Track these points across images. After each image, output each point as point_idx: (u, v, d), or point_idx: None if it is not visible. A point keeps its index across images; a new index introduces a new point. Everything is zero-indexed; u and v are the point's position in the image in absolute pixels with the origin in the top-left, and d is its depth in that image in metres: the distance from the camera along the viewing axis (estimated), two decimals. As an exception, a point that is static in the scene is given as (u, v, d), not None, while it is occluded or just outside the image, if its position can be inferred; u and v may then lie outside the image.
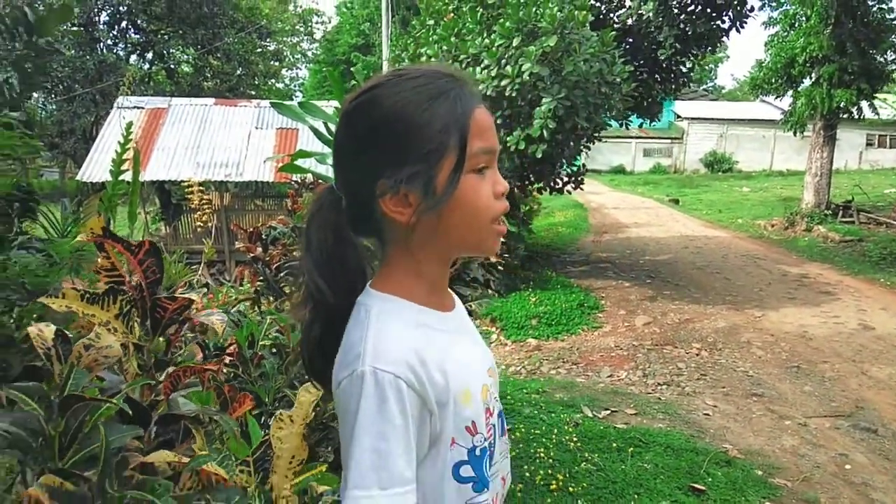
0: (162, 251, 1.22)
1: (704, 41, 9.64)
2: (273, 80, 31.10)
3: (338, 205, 0.87)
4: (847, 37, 11.95)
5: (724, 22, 9.50)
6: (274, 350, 2.20)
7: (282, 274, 3.10)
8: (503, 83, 6.74)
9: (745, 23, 9.52)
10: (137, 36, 23.18)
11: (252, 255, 3.36)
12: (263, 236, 3.49)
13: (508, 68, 6.70)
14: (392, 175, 0.79)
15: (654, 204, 18.76)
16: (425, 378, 0.78)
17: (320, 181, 3.12)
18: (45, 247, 2.62)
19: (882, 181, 20.16)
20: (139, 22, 22.41)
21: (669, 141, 30.90)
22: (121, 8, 21.53)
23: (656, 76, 10.31)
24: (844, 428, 4.19)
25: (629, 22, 9.70)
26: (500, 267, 3.30)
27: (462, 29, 7.55)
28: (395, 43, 11.31)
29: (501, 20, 6.94)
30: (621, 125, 10.65)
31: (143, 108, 14.46)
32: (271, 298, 3.18)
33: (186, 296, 1.15)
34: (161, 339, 1.17)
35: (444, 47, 7.51)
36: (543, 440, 3.76)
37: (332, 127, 2.65)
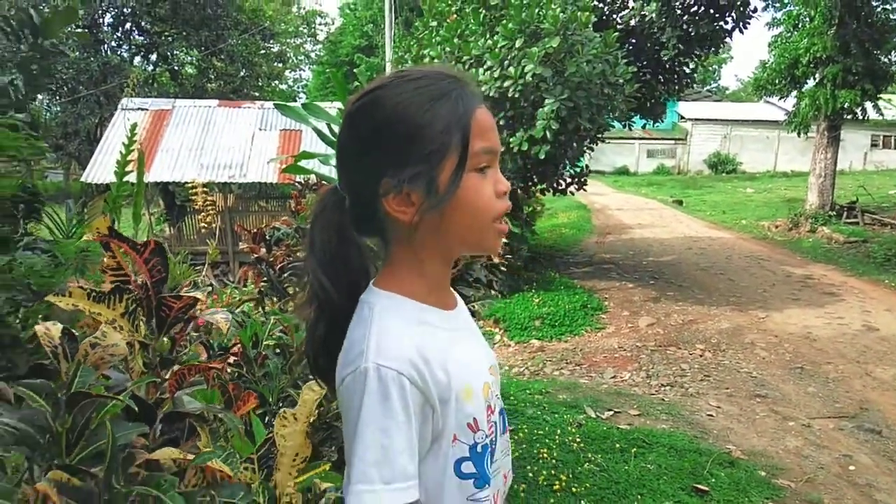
0: (167, 251, 1.23)
1: (707, 42, 9.64)
2: (276, 82, 31.19)
3: (341, 205, 0.88)
4: (851, 37, 11.93)
5: (727, 23, 9.50)
6: (277, 350, 2.22)
7: (285, 274, 3.11)
8: (506, 84, 6.75)
9: (748, 24, 9.52)
10: (141, 38, 23.28)
11: (256, 255, 3.37)
12: (267, 237, 3.51)
13: (511, 69, 6.71)
14: (395, 175, 0.80)
15: (658, 205, 18.74)
16: (428, 375, 0.79)
17: (324, 182, 3.13)
18: (51, 247, 2.63)
19: (887, 182, 20.11)
20: (143, 24, 22.51)
21: (673, 142, 30.88)
22: (125, 10, 21.63)
23: (659, 77, 10.31)
24: (848, 429, 4.19)
25: (632, 23, 9.70)
26: (502, 268, 3.31)
27: (465, 30, 7.57)
28: (398, 44, 11.33)
29: (504, 21, 6.96)
30: (624, 126, 10.66)
31: (147, 109, 14.51)
32: (275, 299, 3.19)
33: (191, 294, 1.16)
34: (166, 337, 1.18)
35: (447, 48, 7.53)
36: (547, 441, 3.76)
37: (336, 128, 2.67)
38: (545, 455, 3.55)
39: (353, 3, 34.20)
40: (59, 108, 20.44)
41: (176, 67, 24.23)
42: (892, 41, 12.26)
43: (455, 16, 7.94)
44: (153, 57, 23.95)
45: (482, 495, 0.88)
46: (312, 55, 37.33)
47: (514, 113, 7.09)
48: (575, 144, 7.55)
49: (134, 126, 3.66)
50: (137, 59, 24.04)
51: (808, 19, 13.06)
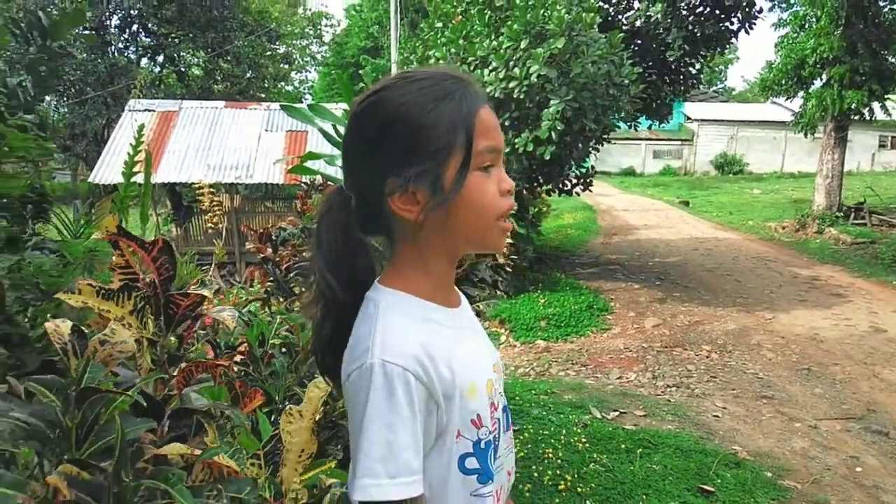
0: (174, 250, 1.25)
1: (713, 43, 9.62)
2: (282, 83, 31.30)
3: (347, 205, 0.89)
4: (858, 37, 11.88)
5: (732, 23, 9.48)
6: (284, 349, 2.23)
7: (291, 274, 3.13)
8: (511, 85, 6.76)
9: (754, 24, 9.50)
10: (148, 39, 23.41)
11: (262, 255, 3.39)
12: (273, 237, 3.53)
13: (516, 70, 6.72)
14: (401, 174, 0.82)
15: (664, 206, 18.70)
16: (432, 371, 0.80)
17: (329, 182, 3.15)
18: (59, 247, 2.66)
19: (895, 183, 20.00)
20: (150, 25, 22.64)
21: (679, 143, 30.81)
22: (132, 12, 21.75)
23: (665, 78, 10.29)
24: (855, 430, 4.17)
25: (637, 24, 9.69)
26: (508, 268, 3.31)
27: (470, 31, 7.58)
28: (403, 45, 11.36)
29: (509, 22, 6.97)
30: (630, 127, 10.65)
31: (154, 110, 14.59)
32: (281, 299, 3.21)
33: (199, 292, 1.17)
34: (174, 335, 1.19)
35: (453, 49, 7.55)
36: (552, 441, 3.76)
37: (341, 129, 2.68)
38: (550, 455, 3.55)
39: (359, 5, 34.30)
40: (66, 110, 20.57)
41: (182, 69, 24.35)
42: (900, 41, 12.21)
43: (460, 17, 7.96)
44: (160, 58, 24.08)
45: (485, 491, 0.89)
46: (318, 56, 37.44)
47: (519, 114, 7.09)
48: (580, 145, 7.55)
49: (141, 127, 3.69)
50: (144, 60, 24.18)
51: (814, 20, 13.03)
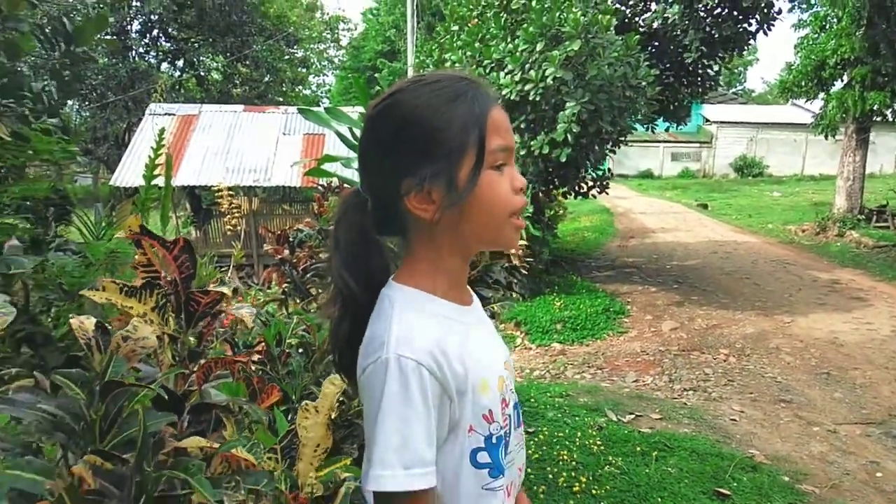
0: (194, 249, 1.28)
1: (731, 44, 9.56)
2: (300, 87, 31.52)
3: (363, 206, 0.91)
4: (881, 38, 11.70)
5: (750, 25, 9.41)
6: (300, 349, 2.26)
7: (308, 275, 3.17)
8: (527, 87, 6.77)
9: (773, 25, 9.42)
10: (168, 44, 23.71)
11: (279, 257, 3.43)
12: (290, 239, 3.57)
13: (532, 73, 6.73)
14: (416, 174, 0.84)
15: (682, 209, 18.55)
16: (446, 367, 0.82)
17: (346, 185, 3.19)
18: (81, 249, 2.71)
19: (918, 185, 19.66)
20: (170, 30, 22.93)
21: (698, 145, 30.52)
22: (152, 17, 22.05)
23: (682, 80, 10.24)
24: (876, 435, 4.12)
25: (654, 25, 9.65)
26: (523, 270, 3.32)
27: (486, 34, 7.60)
28: (420, 49, 11.41)
29: (525, 25, 6.98)
30: (647, 129, 10.59)
31: (174, 114, 14.79)
32: (298, 299, 3.25)
33: (218, 290, 1.20)
34: (194, 331, 1.23)
35: (469, 52, 7.57)
36: (567, 443, 3.76)
37: (357, 131, 2.71)
38: (565, 457, 3.55)
39: (376, 9, 34.51)
40: (88, 114, 20.89)
41: (202, 73, 24.62)
42: (924, 42, 12.01)
43: (476, 20, 7.98)
44: (180, 63, 24.38)
45: (497, 485, 0.90)
46: (335, 60, 37.65)
47: (534, 116, 7.10)
48: (596, 147, 7.54)
49: (162, 131, 3.75)
50: (164, 65, 24.48)
51: (835, 20, 12.87)
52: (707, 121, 30.51)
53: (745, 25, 9.42)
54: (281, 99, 25.39)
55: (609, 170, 9.29)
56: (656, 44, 9.73)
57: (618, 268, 10.17)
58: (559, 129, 6.73)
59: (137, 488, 0.90)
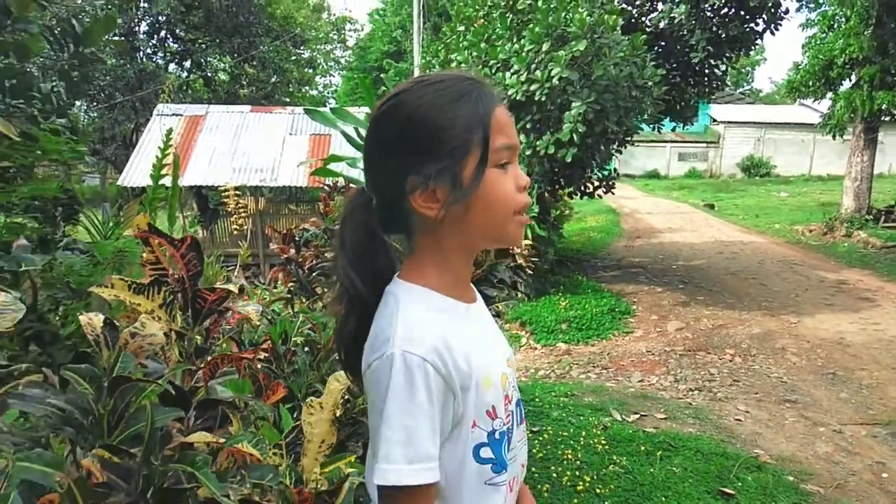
0: (201, 248, 1.30)
1: (738, 44, 9.52)
2: (307, 88, 31.60)
3: (368, 205, 0.93)
4: (889, 37, 11.64)
5: (757, 24, 9.36)
6: (306, 347, 2.28)
7: (314, 274, 3.19)
8: (532, 88, 6.77)
9: (780, 25, 9.38)
10: (176, 45, 23.82)
11: (285, 256, 3.46)
12: (296, 238, 3.59)
13: (538, 73, 6.73)
14: (421, 172, 0.85)
15: (689, 209, 18.50)
16: (450, 363, 0.83)
17: (352, 184, 3.20)
18: (89, 248, 2.74)
19: (927, 186, 19.55)
20: (178, 31, 23.04)
21: (705, 145, 30.42)
22: (160, 18, 22.16)
23: (689, 80, 10.21)
24: (882, 436, 4.10)
25: (661, 25, 9.62)
26: (528, 270, 3.33)
27: (492, 34, 7.61)
28: (426, 49, 11.44)
29: (531, 25, 6.98)
30: (654, 129, 10.57)
31: (181, 115, 14.86)
32: (304, 298, 3.27)
33: (225, 287, 1.22)
34: (201, 328, 1.24)
35: (475, 53, 7.58)
36: (571, 442, 3.76)
37: (363, 132, 2.73)
38: (570, 456, 3.55)
39: (383, 10, 34.56)
40: (96, 114, 21.01)
41: (209, 74, 24.73)
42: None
43: (482, 20, 8.00)
44: (187, 64, 24.50)
45: (499, 480, 0.92)
46: (342, 61, 37.76)
47: (540, 116, 7.10)
48: (602, 147, 7.53)
49: (169, 131, 3.78)
50: (172, 65, 24.61)
51: (843, 20, 12.80)
52: (714, 121, 30.40)
53: (752, 25, 9.37)
54: (287, 99, 25.47)
55: (615, 170, 9.29)
56: (663, 44, 9.71)
57: (623, 268, 10.16)
58: (565, 129, 6.73)
59: (145, 481, 0.91)
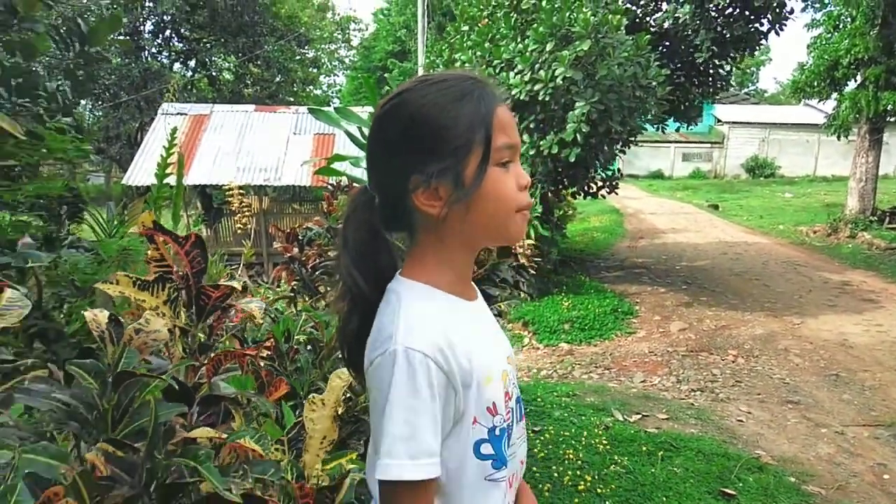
0: (206, 245, 1.31)
1: (742, 44, 9.50)
2: (311, 87, 31.64)
3: (371, 204, 0.94)
4: (895, 37, 11.61)
5: (762, 25, 9.35)
6: (309, 346, 2.29)
7: (317, 273, 3.20)
8: (536, 87, 6.77)
9: (785, 25, 9.36)
10: (181, 44, 23.87)
11: (289, 255, 3.47)
12: (300, 237, 3.61)
13: (542, 73, 6.73)
14: (423, 171, 0.86)
15: (693, 209, 18.47)
16: (452, 360, 0.84)
17: (355, 184, 3.22)
18: (93, 246, 2.76)
19: (933, 187, 19.47)
20: (182, 31, 23.09)
21: (709, 145, 30.36)
22: (165, 17, 22.21)
23: (693, 80, 10.19)
24: (884, 438, 4.10)
25: (665, 25, 9.61)
26: (531, 270, 3.34)
27: (496, 34, 7.62)
28: (430, 49, 11.44)
29: (535, 25, 6.98)
30: (658, 129, 10.56)
31: (186, 114, 14.90)
32: (307, 297, 3.28)
33: (228, 284, 1.23)
34: (204, 325, 1.25)
35: (479, 52, 7.59)
36: (573, 442, 3.77)
37: (367, 131, 2.74)
38: (571, 456, 3.56)
39: (387, 9, 34.58)
40: (101, 113, 21.08)
41: (214, 73, 24.78)
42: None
43: (486, 20, 8.00)
44: (192, 63, 24.54)
45: (499, 476, 0.93)
46: (346, 60, 37.78)
47: (544, 116, 7.10)
48: (606, 148, 7.53)
49: (174, 130, 3.80)
50: (177, 65, 24.66)
51: (849, 20, 12.76)
52: (719, 121, 30.34)
53: (757, 25, 9.35)
54: (292, 99, 25.52)
55: (619, 170, 9.28)
56: (667, 43, 9.70)
57: (627, 268, 10.15)
58: (568, 129, 6.73)
59: (148, 475, 0.93)
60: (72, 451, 1.02)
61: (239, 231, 13.05)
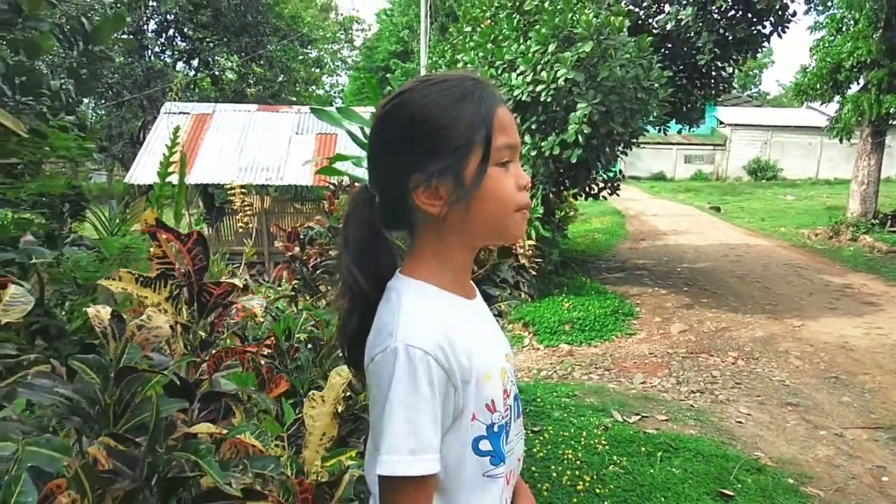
0: (207, 243, 1.32)
1: (745, 47, 9.51)
2: (314, 87, 31.69)
3: (371, 202, 0.95)
4: (898, 41, 11.62)
5: (764, 27, 9.36)
6: (309, 344, 2.30)
7: (318, 272, 3.21)
8: (538, 88, 6.78)
9: (787, 28, 9.36)
10: (184, 43, 23.90)
11: (290, 254, 3.48)
12: (301, 236, 3.62)
13: (544, 74, 6.74)
14: (424, 170, 0.87)
15: (695, 211, 18.47)
16: (452, 357, 0.85)
17: (356, 183, 3.23)
18: (96, 244, 2.77)
19: (935, 190, 19.44)
20: (186, 30, 23.12)
21: (712, 148, 30.36)
22: (168, 16, 22.25)
23: (696, 82, 10.20)
24: (883, 440, 4.10)
25: (668, 27, 9.62)
26: (532, 271, 3.35)
27: (498, 35, 7.63)
28: (433, 49, 11.46)
29: (537, 26, 6.99)
30: (659, 131, 10.56)
31: (188, 113, 14.92)
32: (307, 296, 3.29)
33: (230, 281, 1.24)
34: (206, 321, 1.27)
35: (481, 53, 7.60)
36: (572, 442, 3.78)
37: (368, 131, 2.75)
38: (570, 456, 3.57)
39: (390, 10, 34.60)
40: (103, 112, 21.12)
41: (217, 73, 24.81)
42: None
43: (489, 21, 8.01)
44: (195, 62, 24.58)
45: (497, 472, 0.94)
46: (349, 61, 37.83)
47: (546, 117, 7.11)
48: (607, 149, 7.54)
49: (176, 129, 3.81)
50: (180, 64, 24.70)
51: (852, 23, 12.75)
52: (721, 123, 30.35)
53: (759, 28, 9.36)
54: (294, 99, 25.54)
55: (620, 171, 9.27)
56: (669, 45, 9.71)
57: (628, 270, 10.15)
58: (570, 130, 6.74)
59: (149, 469, 0.94)
60: (74, 446, 1.04)
61: (240, 230, 13.09)
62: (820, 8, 14.32)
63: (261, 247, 12.87)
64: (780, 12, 9.19)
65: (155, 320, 1.12)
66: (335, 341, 2.10)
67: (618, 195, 9.38)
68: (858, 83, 12.88)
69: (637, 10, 9.69)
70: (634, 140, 8.09)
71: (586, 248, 12.37)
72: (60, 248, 2.63)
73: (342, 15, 35.87)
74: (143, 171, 12.81)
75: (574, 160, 6.94)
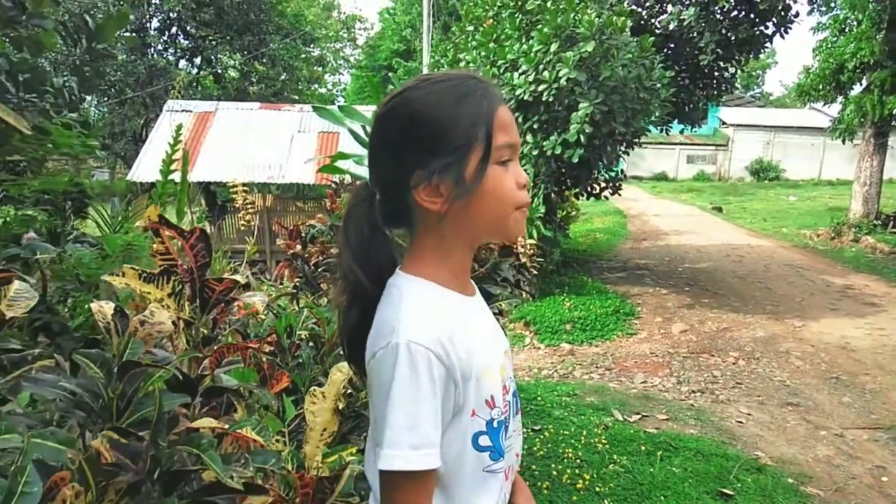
0: (210, 239, 1.33)
1: (747, 47, 9.49)
2: (316, 86, 31.70)
3: (372, 200, 0.96)
4: (901, 42, 11.60)
5: (767, 28, 9.34)
6: (310, 342, 2.31)
7: (320, 270, 3.22)
8: (540, 88, 6.78)
9: (790, 28, 9.34)
10: (186, 42, 23.93)
11: (292, 252, 3.49)
12: (303, 234, 3.63)
13: (546, 73, 6.74)
14: (425, 167, 0.88)
15: (697, 212, 18.46)
16: (452, 353, 0.86)
17: (358, 181, 3.24)
18: (98, 241, 2.78)
19: (937, 191, 19.41)
20: (188, 28, 23.14)
21: (714, 148, 30.35)
22: (171, 14, 22.27)
23: (698, 82, 10.19)
24: (883, 440, 4.11)
25: (670, 27, 9.61)
26: (533, 270, 3.36)
27: (501, 35, 7.63)
28: (435, 49, 11.47)
29: (540, 26, 6.99)
30: (661, 131, 10.55)
31: (191, 111, 14.94)
32: (309, 294, 3.30)
33: (232, 277, 1.25)
34: (208, 317, 1.28)
35: (483, 53, 7.60)
36: (572, 441, 3.79)
37: (370, 129, 2.75)
38: (570, 454, 3.58)
39: (393, 8, 34.59)
40: (106, 109, 21.15)
41: (219, 71, 24.83)
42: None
43: (491, 20, 8.01)
44: (197, 60, 24.61)
45: (497, 467, 0.95)
46: (351, 59, 37.86)
47: (547, 116, 7.11)
48: (609, 149, 7.53)
49: (179, 126, 3.82)
50: (182, 62, 24.73)
51: (855, 23, 12.74)
52: (724, 123, 30.34)
53: (762, 28, 9.34)
54: (297, 97, 25.56)
55: (622, 171, 9.27)
56: (672, 46, 9.69)
57: (629, 269, 10.15)
58: (572, 129, 6.74)
59: (152, 462, 0.95)
60: (78, 439, 1.05)
61: (242, 228, 13.07)
62: (823, 9, 14.30)
63: (263, 245, 12.88)
64: (782, 13, 9.17)
65: (158, 316, 1.13)
66: (336, 339, 2.11)
67: (619, 195, 9.38)
68: (861, 84, 12.87)
69: (639, 10, 9.68)
70: (636, 140, 8.08)
71: (588, 247, 12.37)
72: (63, 244, 2.65)
73: (345, 13, 35.93)
74: (146, 168, 12.84)
75: (576, 160, 6.94)
